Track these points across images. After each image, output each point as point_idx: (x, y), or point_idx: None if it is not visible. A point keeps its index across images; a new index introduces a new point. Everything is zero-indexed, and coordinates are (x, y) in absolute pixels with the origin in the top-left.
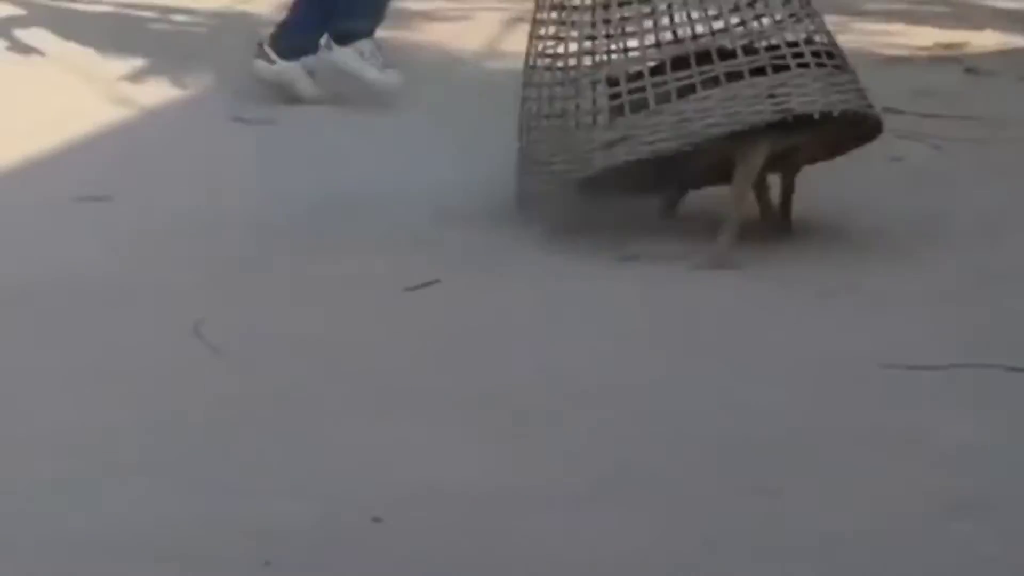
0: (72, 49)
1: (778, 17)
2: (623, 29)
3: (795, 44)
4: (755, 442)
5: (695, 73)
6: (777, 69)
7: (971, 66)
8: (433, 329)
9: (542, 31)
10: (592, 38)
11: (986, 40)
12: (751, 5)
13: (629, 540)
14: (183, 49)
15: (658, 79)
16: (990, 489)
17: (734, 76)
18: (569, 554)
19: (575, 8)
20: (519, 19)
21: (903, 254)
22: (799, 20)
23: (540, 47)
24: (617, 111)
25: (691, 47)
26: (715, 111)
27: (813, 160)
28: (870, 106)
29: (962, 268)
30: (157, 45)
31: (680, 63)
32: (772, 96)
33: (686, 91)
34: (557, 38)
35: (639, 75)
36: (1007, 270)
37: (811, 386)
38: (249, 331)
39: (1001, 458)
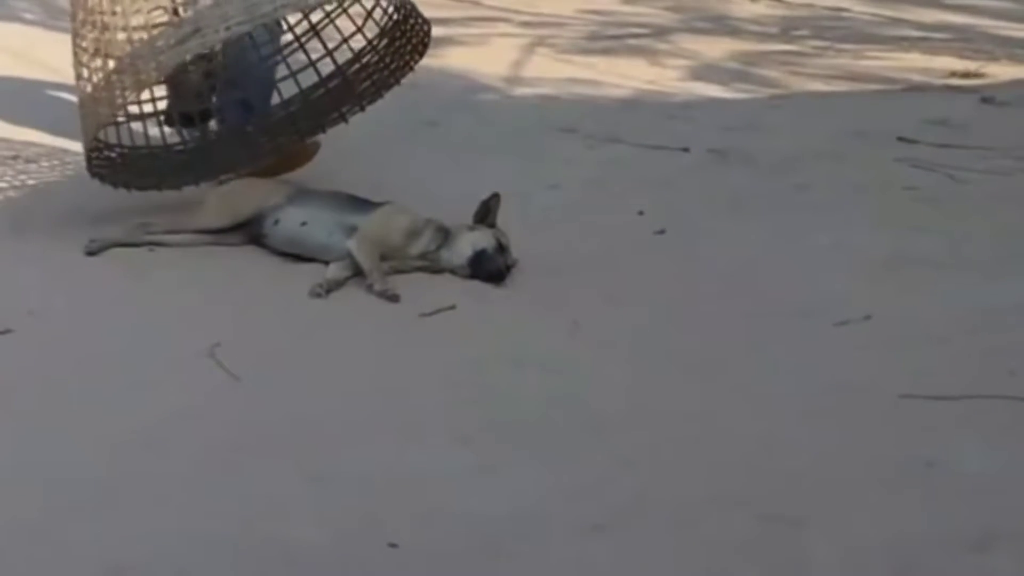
0: None
1: None
2: None
3: None
4: (775, 471)
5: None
6: None
7: (987, 96)
8: (449, 355)
9: None
10: None
11: (1002, 70)
12: None
13: (646, 567)
14: None
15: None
16: (1010, 520)
17: None
18: None
19: None
20: (537, 44)
21: (919, 283)
22: None
23: None
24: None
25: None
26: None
27: None
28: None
29: (980, 298)
30: None
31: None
32: None
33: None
34: None
35: None
36: None
37: (830, 416)
38: (266, 356)
39: (1020, 489)
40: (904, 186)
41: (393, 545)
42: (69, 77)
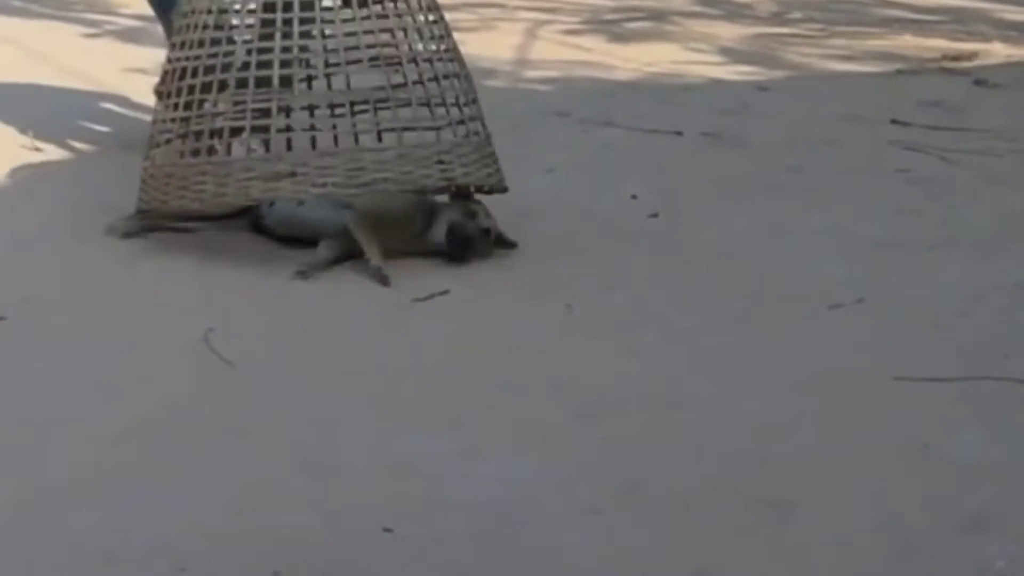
0: None
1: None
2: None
3: (460, 108)
4: (768, 455)
5: (371, 122)
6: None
7: (979, 78)
8: (442, 340)
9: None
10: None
11: (994, 52)
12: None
13: (641, 552)
14: None
15: (336, 120)
16: (1004, 501)
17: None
18: (580, 565)
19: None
20: (534, 28)
21: (913, 265)
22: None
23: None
24: (286, 144)
25: (370, 94)
26: (390, 166)
27: None
28: (502, 179)
29: (972, 279)
30: None
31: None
32: (440, 162)
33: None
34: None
35: (312, 109)
36: (1018, 281)
37: (824, 399)
38: (259, 342)
39: (1014, 471)
40: (897, 168)
41: (388, 530)
42: (69, 67)
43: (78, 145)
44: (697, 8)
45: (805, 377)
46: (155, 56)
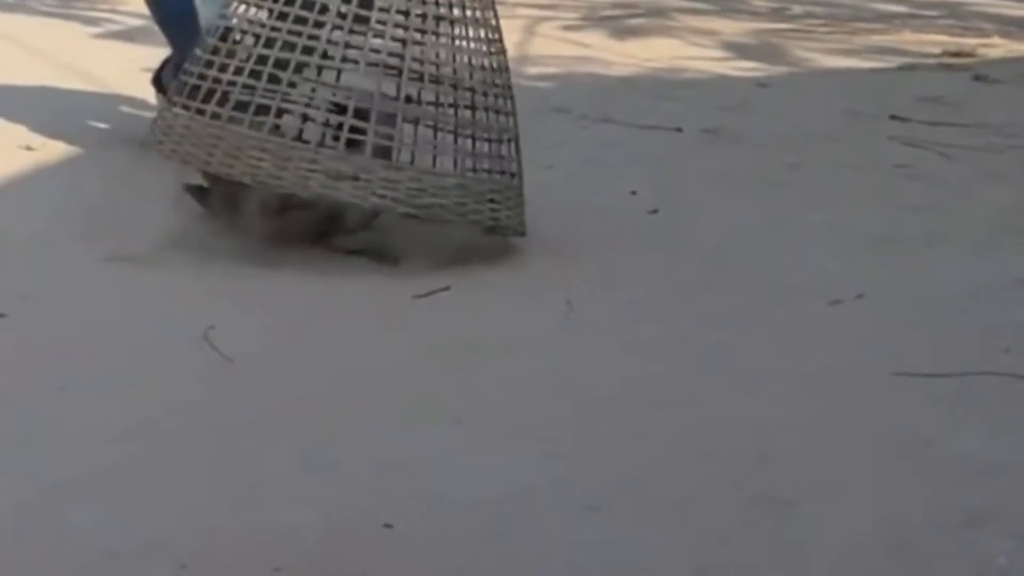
0: None
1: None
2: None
3: (513, 147)
4: (768, 452)
5: (443, 145)
6: (501, 172)
7: (979, 74)
8: (442, 336)
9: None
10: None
11: (994, 48)
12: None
13: (640, 549)
14: None
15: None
16: (1005, 497)
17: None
18: (580, 563)
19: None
20: (533, 24)
21: (913, 261)
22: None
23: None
24: (354, 143)
25: (439, 116)
26: (448, 193)
27: None
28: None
29: (972, 275)
30: None
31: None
32: (491, 200)
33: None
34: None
35: (392, 118)
36: (1018, 277)
37: (823, 396)
38: (259, 338)
39: (1015, 467)
40: (897, 164)
41: (388, 526)
42: (68, 65)
43: (78, 143)
44: (696, 4)
45: (805, 373)
46: (156, 55)
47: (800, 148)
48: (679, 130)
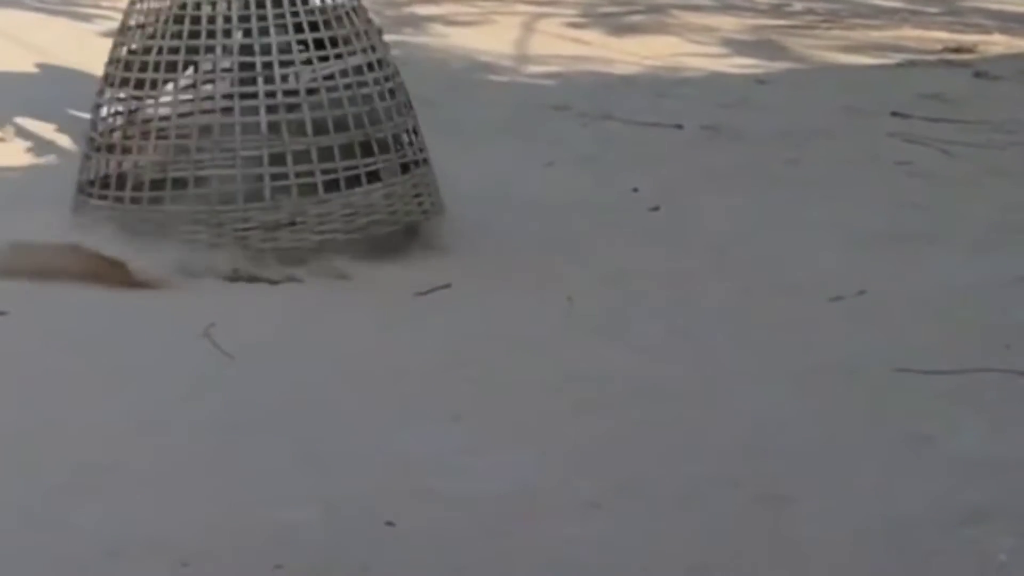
0: None
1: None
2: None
3: (414, 136)
4: (769, 448)
5: (360, 164)
6: (415, 164)
7: (980, 70)
8: (444, 333)
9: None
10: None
11: (995, 45)
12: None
13: (641, 546)
14: None
15: (327, 165)
16: (1006, 494)
17: (388, 172)
18: (580, 559)
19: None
20: (533, 22)
21: (913, 258)
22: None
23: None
24: (281, 191)
25: (357, 135)
26: (378, 207)
27: None
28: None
29: (973, 272)
30: None
31: (345, 151)
32: (417, 195)
33: (352, 182)
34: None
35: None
36: (1018, 274)
37: (825, 392)
38: (261, 336)
39: (1016, 464)
40: (897, 161)
41: (389, 523)
42: (63, 60)
43: (77, 140)
44: (695, 1)
45: (805, 370)
46: None
47: (800, 145)
48: (679, 127)
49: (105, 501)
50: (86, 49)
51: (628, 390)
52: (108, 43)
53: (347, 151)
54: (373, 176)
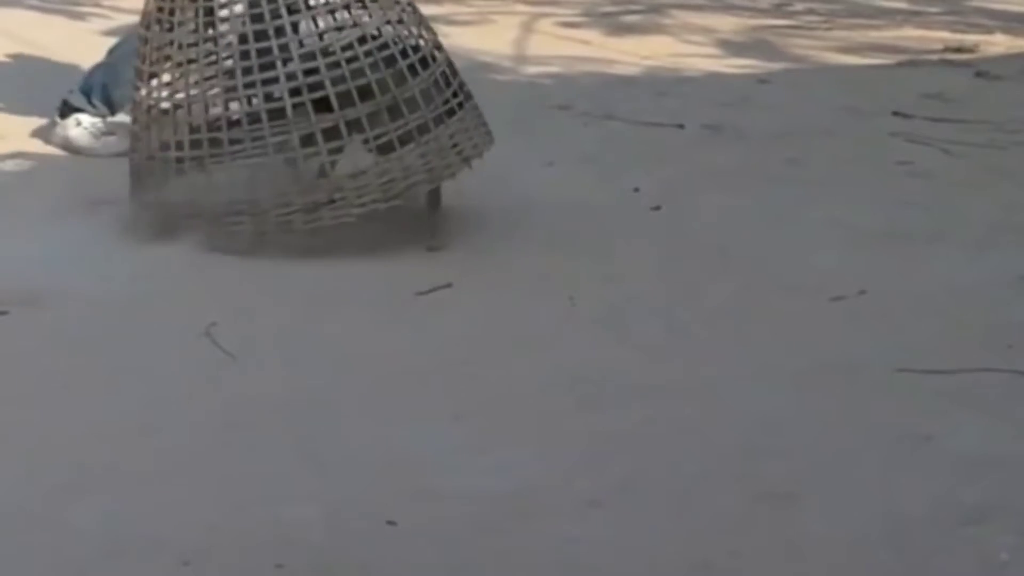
0: None
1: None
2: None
3: (448, 81)
4: (770, 447)
5: (391, 129)
6: (448, 113)
7: (981, 70)
8: (444, 333)
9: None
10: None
11: (996, 44)
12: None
13: (644, 544)
14: None
15: (357, 137)
16: (1007, 494)
17: (422, 129)
18: (583, 558)
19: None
20: (533, 22)
21: (915, 257)
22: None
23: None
24: (320, 171)
25: (384, 101)
26: (416, 168)
27: None
28: (490, 131)
29: (976, 271)
30: None
31: (374, 119)
32: (455, 146)
33: (386, 148)
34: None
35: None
36: (1020, 273)
37: (825, 392)
38: (262, 335)
39: (1017, 463)
40: (899, 160)
41: (391, 522)
42: (67, 58)
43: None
44: (695, 1)
45: (806, 369)
46: None
47: (801, 144)
48: (681, 127)
49: (105, 501)
50: (79, 45)
51: (629, 389)
52: (103, 41)
53: (375, 119)
54: (406, 138)
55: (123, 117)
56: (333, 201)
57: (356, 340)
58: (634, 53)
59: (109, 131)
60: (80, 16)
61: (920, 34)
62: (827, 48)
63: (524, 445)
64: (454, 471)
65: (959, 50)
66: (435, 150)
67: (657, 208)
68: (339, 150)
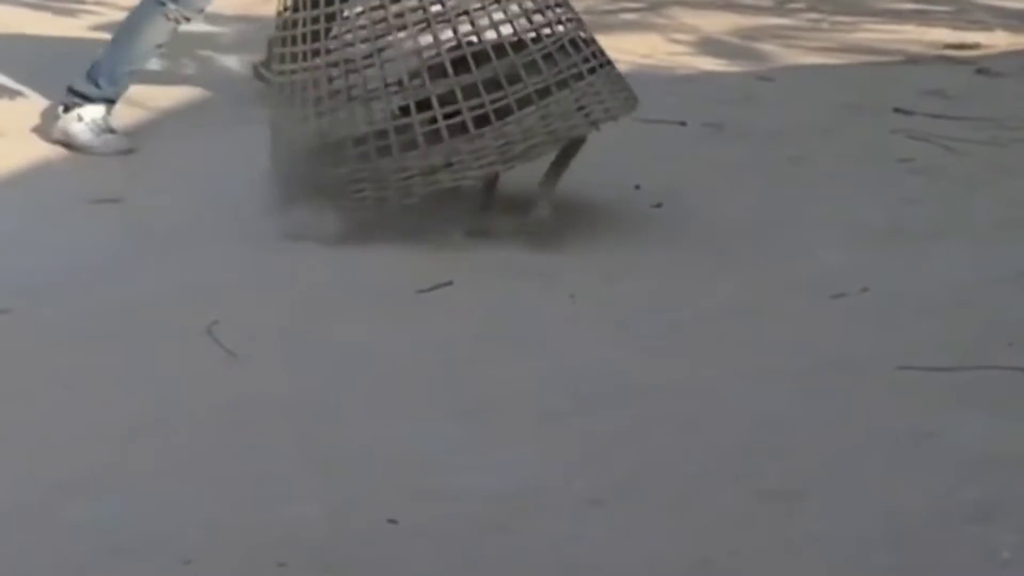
0: None
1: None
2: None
3: (578, 47)
4: (771, 445)
5: (508, 93)
6: (575, 77)
7: (982, 67)
8: (445, 331)
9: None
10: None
11: (997, 41)
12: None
13: (644, 543)
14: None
15: (473, 102)
16: (1010, 491)
17: (543, 93)
18: (584, 557)
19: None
20: None
21: (917, 255)
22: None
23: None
24: (433, 136)
25: (501, 67)
26: (536, 131)
27: None
28: (634, 96)
29: (978, 269)
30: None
31: (491, 85)
32: (580, 108)
33: (503, 112)
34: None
35: (451, 95)
36: (1022, 270)
37: (827, 389)
38: (264, 333)
39: (1020, 461)
40: (900, 158)
41: (392, 521)
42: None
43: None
44: None
45: (809, 367)
46: None
47: (803, 142)
48: (683, 124)
49: (105, 501)
50: (72, 41)
51: (629, 387)
52: (97, 36)
53: (492, 84)
54: (524, 101)
55: None
56: (451, 164)
57: (357, 338)
58: (634, 51)
59: (109, 128)
60: (71, 12)
61: (921, 32)
62: (828, 46)
63: (525, 444)
64: (455, 470)
65: (960, 47)
66: (557, 113)
67: (658, 206)
68: (456, 114)
